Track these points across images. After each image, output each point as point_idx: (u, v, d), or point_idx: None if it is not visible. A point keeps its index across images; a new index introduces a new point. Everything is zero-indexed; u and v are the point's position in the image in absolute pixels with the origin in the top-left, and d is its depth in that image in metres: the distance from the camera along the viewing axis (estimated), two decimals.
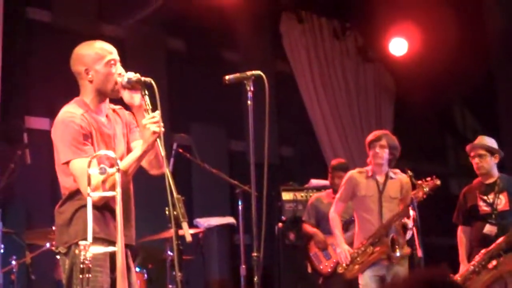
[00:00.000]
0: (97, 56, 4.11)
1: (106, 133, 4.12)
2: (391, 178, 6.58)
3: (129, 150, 4.19)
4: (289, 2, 10.49)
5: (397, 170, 6.63)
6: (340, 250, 6.57)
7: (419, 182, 6.40)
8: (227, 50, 10.43)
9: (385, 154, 6.52)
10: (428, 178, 6.44)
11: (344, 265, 6.52)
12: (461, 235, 6.78)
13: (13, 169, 6.56)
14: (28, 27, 8.52)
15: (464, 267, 6.54)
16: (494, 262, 6.35)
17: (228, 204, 9.33)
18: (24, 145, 6.70)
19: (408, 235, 6.42)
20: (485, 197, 6.61)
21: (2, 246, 6.39)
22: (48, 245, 6.60)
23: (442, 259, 6.58)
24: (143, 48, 9.16)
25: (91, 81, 4.11)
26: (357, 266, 6.45)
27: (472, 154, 6.68)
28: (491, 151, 6.65)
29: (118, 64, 4.13)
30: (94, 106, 4.13)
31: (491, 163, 6.64)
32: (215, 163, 7.69)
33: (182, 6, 9.05)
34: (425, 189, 6.32)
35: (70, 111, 4.05)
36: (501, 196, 6.55)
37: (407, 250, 6.47)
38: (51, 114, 8.47)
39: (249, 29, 10.33)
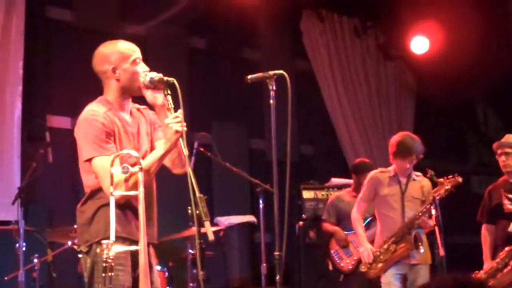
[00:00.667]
0: (122, 55, 4.14)
1: (130, 131, 4.15)
2: (414, 179, 6.59)
3: (152, 148, 4.21)
4: (310, 0, 10.48)
5: (419, 173, 6.61)
6: (363, 249, 6.57)
7: (441, 180, 6.39)
8: (248, 49, 10.44)
9: (412, 165, 6.55)
10: (450, 176, 6.43)
11: (367, 264, 6.53)
12: (485, 234, 6.75)
13: (35, 168, 6.55)
14: (49, 26, 8.56)
15: (488, 265, 6.52)
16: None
17: (249, 202, 9.34)
18: (46, 143, 6.71)
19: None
20: (510, 196, 6.58)
21: (24, 244, 6.41)
22: (69, 243, 6.61)
23: (464, 258, 6.60)
24: (165, 47, 9.17)
25: (118, 80, 4.14)
26: (380, 265, 6.46)
27: (499, 152, 6.66)
28: None
29: (142, 63, 4.17)
30: (118, 105, 4.17)
31: None
32: (236, 161, 7.70)
33: (204, 6, 9.09)
34: (446, 187, 6.32)
35: (94, 110, 4.08)
36: None
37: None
38: (73, 113, 8.57)
39: (269, 28, 10.35)
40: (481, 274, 6.44)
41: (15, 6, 7.98)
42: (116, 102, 4.16)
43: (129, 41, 4.27)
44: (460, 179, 6.38)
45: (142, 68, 4.13)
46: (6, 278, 6.57)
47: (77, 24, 8.71)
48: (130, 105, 4.26)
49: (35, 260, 6.56)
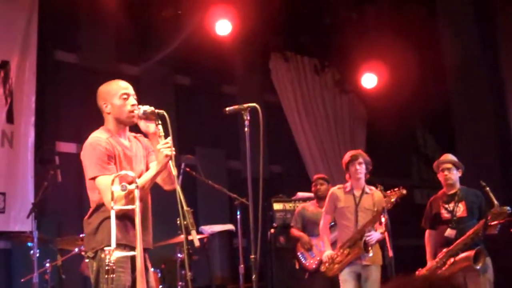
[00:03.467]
0: (112, 92, 4.19)
1: (128, 154, 4.15)
2: (366, 193, 6.55)
3: (147, 169, 4.21)
4: (277, 44, 10.52)
5: (372, 187, 6.60)
6: (325, 253, 6.56)
7: (388, 192, 6.41)
8: (226, 84, 10.45)
9: (362, 169, 6.52)
10: (396, 189, 6.44)
11: (326, 264, 6.53)
12: (428, 237, 6.74)
13: (46, 187, 6.56)
14: (57, 67, 8.55)
15: (430, 264, 6.55)
16: (452, 260, 6.37)
17: (228, 213, 9.32)
18: (56, 166, 6.71)
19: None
20: (446, 205, 6.59)
21: (38, 251, 6.38)
22: (76, 250, 6.59)
23: (409, 258, 6.62)
24: (155, 84, 9.19)
25: (109, 113, 4.18)
26: (336, 266, 6.44)
27: (441, 168, 6.64)
28: (456, 165, 6.64)
29: (131, 97, 4.17)
30: (116, 133, 4.18)
31: (456, 176, 6.62)
32: (216, 179, 7.70)
33: (188, 49, 9.11)
34: (392, 199, 6.32)
35: (97, 136, 4.10)
36: (460, 204, 6.52)
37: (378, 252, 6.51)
38: (78, 139, 8.54)
39: (243, 67, 10.41)
40: (423, 271, 6.46)
41: (29, 49, 7.99)
42: (114, 131, 4.18)
43: (124, 79, 4.29)
44: (404, 191, 6.38)
45: (130, 102, 4.14)
46: (22, 280, 6.57)
47: (81, 65, 8.71)
48: (128, 133, 4.26)
49: (47, 265, 6.54)
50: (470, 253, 6.26)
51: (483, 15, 9.42)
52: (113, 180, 3.72)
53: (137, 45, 9.19)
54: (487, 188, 6.30)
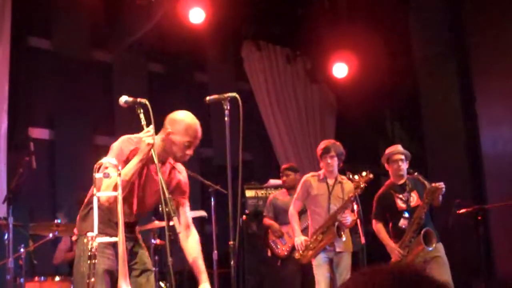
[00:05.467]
0: (184, 130, 4.37)
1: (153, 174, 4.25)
2: (339, 182, 6.68)
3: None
4: (249, 32, 10.57)
5: (344, 177, 6.70)
6: (297, 239, 6.65)
7: (356, 178, 6.53)
8: (198, 72, 10.49)
9: (335, 162, 6.63)
10: (364, 173, 6.56)
11: (300, 251, 6.63)
12: (380, 229, 6.71)
13: (21, 173, 6.50)
14: (30, 53, 8.54)
15: (392, 244, 6.56)
16: (407, 249, 6.49)
17: (200, 200, 9.39)
18: (31, 152, 6.69)
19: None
20: (400, 195, 6.68)
21: (11, 236, 6.39)
22: (51, 235, 6.64)
23: (377, 245, 6.77)
24: (128, 71, 9.21)
25: (165, 138, 4.37)
26: (310, 252, 6.55)
27: (393, 158, 6.71)
28: (406, 157, 6.75)
29: (192, 149, 4.35)
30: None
31: (406, 167, 6.75)
32: (188, 166, 7.76)
33: (162, 36, 9.15)
34: (362, 185, 6.45)
35: (134, 138, 4.20)
36: (412, 194, 6.63)
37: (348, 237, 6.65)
38: (51, 125, 8.54)
39: (216, 55, 10.45)
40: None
41: (2, 35, 7.94)
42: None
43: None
44: (371, 175, 6.48)
45: (189, 152, 4.36)
46: None
47: (54, 51, 8.70)
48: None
49: (22, 250, 6.50)
50: (419, 236, 6.41)
51: (453, 7, 9.57)
52: (96, 168, 3.79)
53: (111, 32, 9.18)
54: (416, 173, 6.49)
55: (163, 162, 4.31)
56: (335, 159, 6.62)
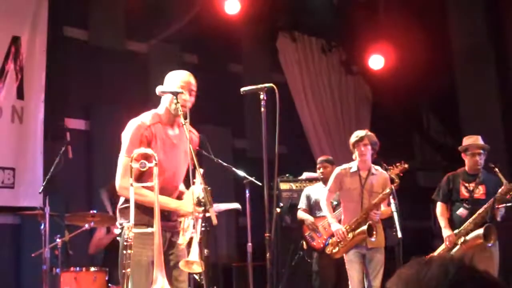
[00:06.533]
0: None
1: (173, 142, 4.26)
2: (373, 174, 6.51)
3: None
4: (285, 24, 10.54)
5: (378, 167, 6.56)
6: (336, 228, 6.53)
7: (391, 169, 6.44)
8: (233, 63, 10.48)
9: (368, 151, 6.46)
10: (398, 163, 6.48)
11: (331, 247, 6.55)
12: (442, 210, 6.69)
13: (58, 163, 6.54)
14: (66, 43, 8.57)
15: (449, 231, 6.54)
16: (462, 239, 6.43)
17: (233, 192, 9.36)
18: (67, 142, 6.73)
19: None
20: (466, 184, 6.60)
21: (47, 226, 6.42)
22: (86, 225, 6.67)
23: (413, 240, 6.68)
24: (163, 62, 9.20)
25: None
26: (342, 249, 6.48)
27: (472, 151, 6.60)
28: (485, 151, 6.64)
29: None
30: (166, 119, 4.29)
31: (483, 160, 6.63)
32: (222, 158, 7.73)
33: (197, 27, 9.14)
34: (397, 180, 6.32)
35: (142, 119, 4.23)
36: (480, 187, 6.54)
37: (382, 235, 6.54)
38: (87, 116, 8.59)
39: (251, 46, 10.43)
40: (434, 255, 6.47)
41: (39, 26, 8.01)
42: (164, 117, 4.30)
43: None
44: (406, 165, 6.42)
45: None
46: (33, 255, 6.61)
47: (90, 42, 8.75)
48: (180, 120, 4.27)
49: (58, 240, 6.54)
50: (480, 231, 6.34)
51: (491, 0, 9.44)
52: (132, 158, 3.78)
53: (146, 23, 9.20)
54: (496, 169, 6.34)
55: (172, 124, 4.32)
56: (369, 147, 6.46)
